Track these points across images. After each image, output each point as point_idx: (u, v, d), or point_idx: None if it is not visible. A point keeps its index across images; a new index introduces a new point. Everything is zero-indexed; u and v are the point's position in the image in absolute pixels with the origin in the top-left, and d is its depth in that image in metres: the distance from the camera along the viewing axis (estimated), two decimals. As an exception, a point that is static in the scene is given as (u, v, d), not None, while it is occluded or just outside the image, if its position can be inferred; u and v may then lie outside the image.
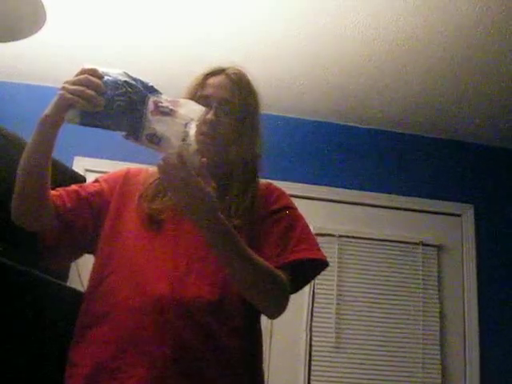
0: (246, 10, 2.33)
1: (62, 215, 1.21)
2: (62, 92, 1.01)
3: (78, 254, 1.35)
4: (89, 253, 1.31)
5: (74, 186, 1.30)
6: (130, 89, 1.03)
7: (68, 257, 1.34)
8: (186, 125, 1.03)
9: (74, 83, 1.01)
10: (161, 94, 1.07)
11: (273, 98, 2.87)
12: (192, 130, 1.03)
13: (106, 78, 1.03)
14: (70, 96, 1.00)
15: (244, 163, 1.26)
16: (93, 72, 1.03)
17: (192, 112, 1.06)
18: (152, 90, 1.06)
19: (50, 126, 1.07)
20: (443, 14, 2.26)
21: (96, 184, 1.32)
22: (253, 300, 1.17)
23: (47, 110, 1.05)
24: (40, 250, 1.23)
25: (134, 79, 1.06)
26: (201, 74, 1.31)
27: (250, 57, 2.55)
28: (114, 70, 1.05)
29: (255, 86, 1.34)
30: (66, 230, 1.22)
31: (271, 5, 2.30)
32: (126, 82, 1.04)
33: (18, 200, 1.15)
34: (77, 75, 1.03)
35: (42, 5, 2.00)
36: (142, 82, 1.06)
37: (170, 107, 1.04)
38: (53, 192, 1.22)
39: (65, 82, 1.03)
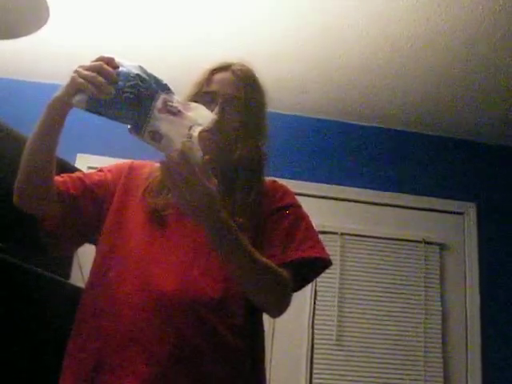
0: (246, 9, 2.33)
1: (64, 201, 1.21)
2: (73, 75, 1.01)
3: (78, 243, 1.34)
4: (90, 242, 1.31)
5: (78, 174, 1.29)
6: (140, 83, 1.02)
7: (68, 244, 1.32)
8: (190, 127, 1.01)
9: (87, 69, 1.01)
10: (173, 93, 1.06)
11: (274, 97, 2.86)
12: (196, 133, 1.01)
13: (120, 68, 1.03)
14: (80, 80, 1.00)
15: (249, 161, 1.24)
16: (108, 60, 1.03)
17: (201, 117, 1.04)
18: (164, 89, 1.05)
19: (59, 108, 1.07)
20: (445, 12, 2.26)
21: (100, 173, 1.31)
22: (255, 299, 1.16)
23: (57, 92, 1.05)
24: (40, 235, 1.22)
25: (148, 74, 1.05)
26: (207, 69, 1.29)
27: (250, 57, 2.53)
28: (130, 63, 1.05)
29: (261, 82, 1.33)
30: (67, 217, 1.22)
31: (271, 5, 2.30)
32: (138, 75, 1.03)
33: (21, 182, 1.15)
34: (93, 61, 1.03)
35: (46, 2, 2.00)
36: (155, 79, 1.06)
37: (179, 108, 1.03)
38: (57, 177, 1.21)
39: (79, 66, 1.03)
